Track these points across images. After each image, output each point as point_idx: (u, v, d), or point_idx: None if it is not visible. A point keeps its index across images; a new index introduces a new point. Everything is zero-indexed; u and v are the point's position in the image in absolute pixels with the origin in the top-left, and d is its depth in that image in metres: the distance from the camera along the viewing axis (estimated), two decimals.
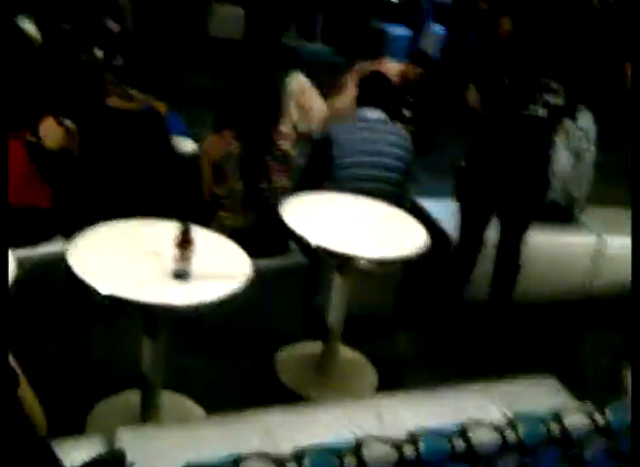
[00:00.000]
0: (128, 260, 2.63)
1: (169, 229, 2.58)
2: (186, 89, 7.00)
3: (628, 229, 2.49)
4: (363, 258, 2.89)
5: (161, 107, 4.94)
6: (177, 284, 2.52)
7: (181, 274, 2.54)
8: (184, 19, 9.03)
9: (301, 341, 3.56)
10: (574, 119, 3.78)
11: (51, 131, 3.38)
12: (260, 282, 3.38)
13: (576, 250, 4.23)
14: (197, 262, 2.57)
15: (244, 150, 3.32)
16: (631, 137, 3.64)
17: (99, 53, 5.65)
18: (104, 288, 2.41)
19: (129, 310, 2.52)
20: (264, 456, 1.53)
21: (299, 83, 4.88)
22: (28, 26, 5.53)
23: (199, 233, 2.72)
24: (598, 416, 1.90)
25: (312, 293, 3.57)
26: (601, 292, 4.25)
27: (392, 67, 5.61)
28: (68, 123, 3.50)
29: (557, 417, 1.84)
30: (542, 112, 3.31)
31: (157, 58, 7.33)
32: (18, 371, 1.64)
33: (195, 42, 8.97)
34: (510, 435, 1.73)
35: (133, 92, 4.94)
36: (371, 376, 3.39)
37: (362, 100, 3.64)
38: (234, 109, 3.42)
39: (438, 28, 9.35)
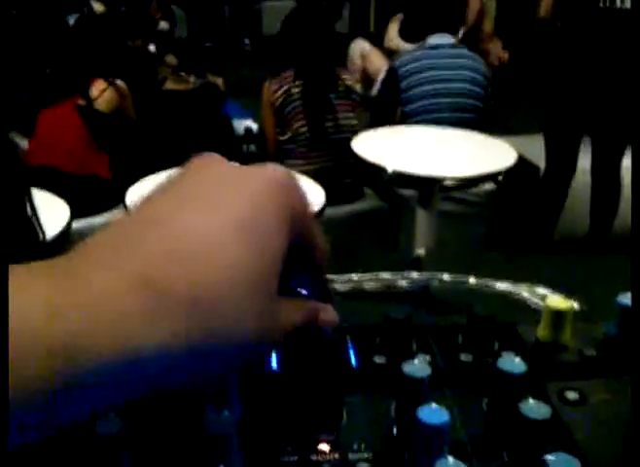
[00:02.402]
0: None
1: None
2: (242, 79, 6.87)
3: None
4: (446, 177, 2.61)
5: (219, 81, 4.82)
6: None
7: None
8: (238, 18, 8.97)
9: None
10: None
11: (101, 93, 3.24)
12: (335, 229, 3.16)
13: None
14: None
15: (306, 87, 3.09)
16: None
17: (152, 48, 5.64)
18: None
19: None
20: None
21: (359, 48, 4.67)
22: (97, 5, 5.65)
23: None
24: None
25: (393, 239, 3.29)
26: None
27: None
28: (120, 83, 3.35)
29: None
30: (626, 3, 2.95)
31: (210, 55, 7.27)
32: None
33: (249, 38, 8.89)
34: None
35: (191, 78, 4.88)
36: None
37: (429, 27, 3.35)
38: (293, 46, 3.18)
39: None
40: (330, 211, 2.64)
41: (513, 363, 0.58)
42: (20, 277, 0.30)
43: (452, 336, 0.68)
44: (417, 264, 0.73)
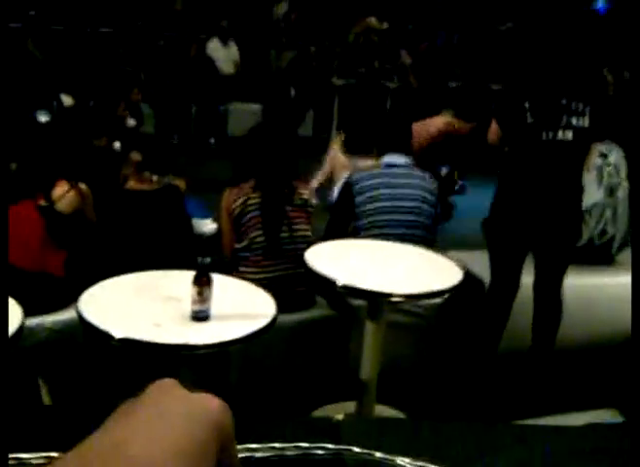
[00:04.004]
0: (145, 305, 2.50)
1: (188, 277, 2.44)
2: (206, 177, 7.00)
3: None
4: (394, 294, 2.71)
5: (181, 183, 4.91)
6: (196, 325, 2.37)
7: (200, 316, 2.38)
8: (204, 118, 9.18)
9: (333, 403, 3.32)
10: (602, 140, 3.64)
11: (63, 195, 3.32)
12: (286, 337, 3.22)
13: (615, 292, 3.94)
14: (218, 304, 2.43)
15: (264, 198, 3.21)
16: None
17: (117, 145, 5.74)
18: (118, 332, 2.27)
19: (145, 354, 2.35)
20: None
21: (333, 150, 4.95)
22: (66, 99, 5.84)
23: (221, 280, 2.58)
24: None
25: (343, 348, 3.36)
26: None
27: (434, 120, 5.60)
28: (82, 186, 3.44)
29: None
30: (568, 135, 3.18)
31: (176, 153, 7.42)
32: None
33: (214, 137, 9.08)
34: None
35: (154, 177, 4.95)
36: None
37: (387, 146, 3.53)
38: (254, 159, 3.33)
39: None
40: (281, 319, 2.70)
41: None
42: None
43: None
44: (336, 429, 0.79)
